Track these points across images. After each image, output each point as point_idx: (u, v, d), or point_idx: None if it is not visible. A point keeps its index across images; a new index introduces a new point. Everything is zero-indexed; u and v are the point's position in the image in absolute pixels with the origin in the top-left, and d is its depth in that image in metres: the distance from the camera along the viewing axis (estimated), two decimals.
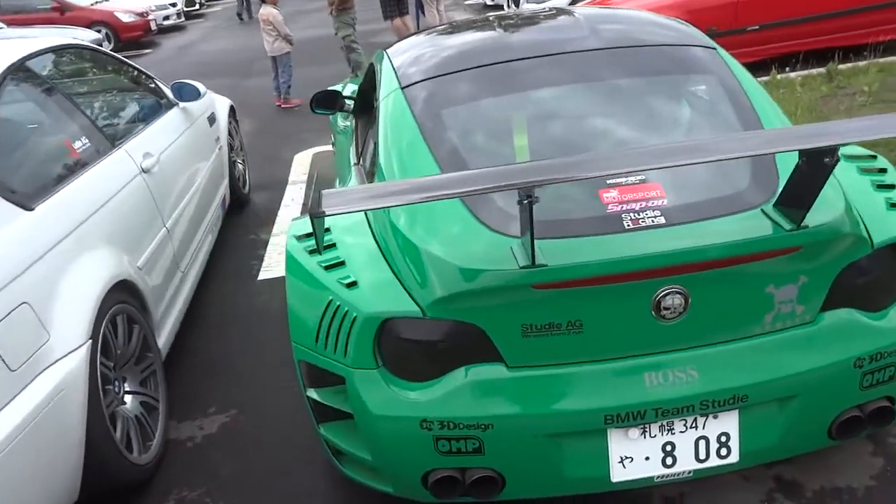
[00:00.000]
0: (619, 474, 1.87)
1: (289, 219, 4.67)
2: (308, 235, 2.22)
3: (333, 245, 2.15)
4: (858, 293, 1.89)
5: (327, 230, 2.24)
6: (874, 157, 2.23)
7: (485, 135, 2.22)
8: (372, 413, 1.86)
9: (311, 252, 2.15)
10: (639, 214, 1.81)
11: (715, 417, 1.85)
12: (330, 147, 6.02)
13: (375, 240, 2.08)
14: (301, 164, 5.82)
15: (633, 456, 1.86)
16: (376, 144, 2.37)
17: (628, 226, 1.79)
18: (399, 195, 1.57)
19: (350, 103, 3.56)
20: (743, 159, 1.86)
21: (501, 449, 1.83)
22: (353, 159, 2.98)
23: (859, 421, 1.90)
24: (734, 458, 1.88)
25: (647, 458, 1.86)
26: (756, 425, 1.86)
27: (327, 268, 2.05)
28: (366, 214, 2.18)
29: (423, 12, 9.94)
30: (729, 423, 1.86)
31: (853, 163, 2.15)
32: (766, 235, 1.72)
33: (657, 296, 1.73)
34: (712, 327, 1.81)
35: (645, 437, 1.85)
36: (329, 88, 3.57)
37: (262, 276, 3.95)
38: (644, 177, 1.89)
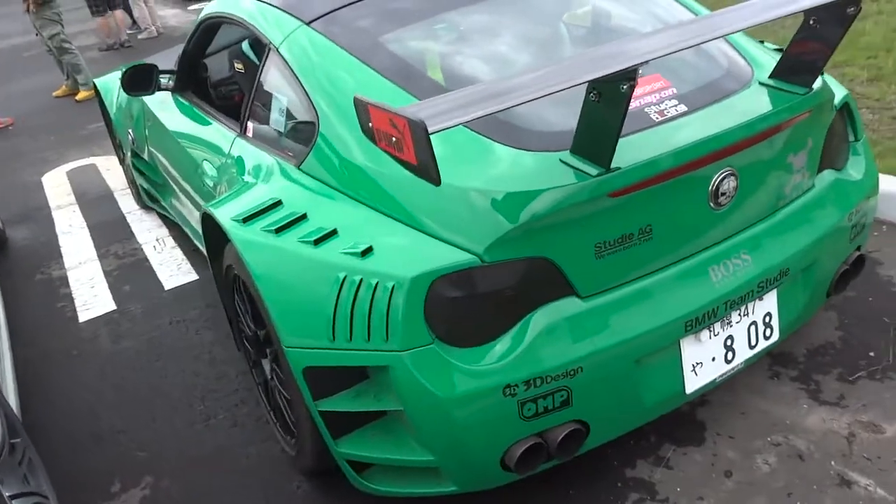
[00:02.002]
0: (691, 384, 1.76)
1: (77, 247, 3.76)
2: (258, 214, 1.73)
3: (304, 217, 1.69)
4: (832, 154, 1.98)
5: (278, 204, 1.76)
6: None
7: (450, 54, 1.90)
8: (440, 397, 1.49)
9: (280, 230, 1.66)
10: (660, 106, 1.69)
11: (761, 300, 1.81)
12: (93, 160, 5.03)
13: (362, 203, 1.68)
14: (57, 185, 4.75)
15: (703, 360, 1.76)
16: (282, 99, 1.94)
17: (657, 119, 1.65)
18: (502, 96, 1.22)
19: (167, 80, 2.89)
20: (707, 45, 1.87)
21: (589, 393, 1.60)
22: (225, 135, 2.40)
23: (847, 274, 2.01)
24: (775, 336, 1.88)
25: (713, 359, 1.78)
26: (788, 299, 1.88)
27: (318, 241, 1.60)
28: (338, 179, 1.75)
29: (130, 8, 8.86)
30: (770, 302, 1.84)
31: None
32: (790, 102, 1.70)
33: (715, 181, 1.62)
34: (752, 208, 1.77)
35: (711, 337, 1.74)
36: (140, 63, 2.85)
37: (83, 316, 3.10)
38: (642, 71, 1.75)
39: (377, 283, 1.50)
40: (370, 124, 1.26)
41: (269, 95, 2.14)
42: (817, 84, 1.76)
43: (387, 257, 1.55)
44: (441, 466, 1.62)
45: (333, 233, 1.63)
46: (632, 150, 1.54)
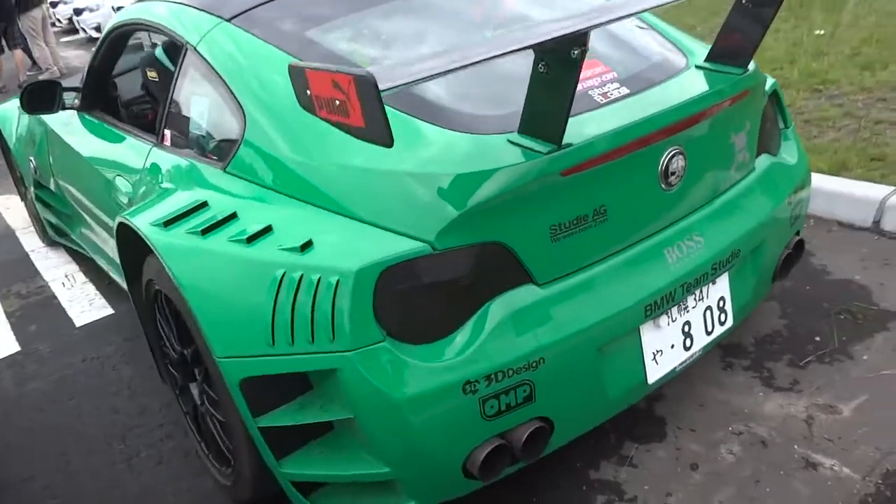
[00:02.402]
0: (653, 373, 1.70)
1: None
2: (181, 217, 1.58)
3: (233, 216, 1.55)
4: (767, 138, 2.00)
5: (203, 206, 1.62)
6: None
7: (382, 47, 1.81)
8: (395, 399, 1.36)
9: (207, 231, 1.52)
10: (603, 89, 1.66)
11: (714, 283, 1.78)
12: None
13: (298, 199, 1.56)
14: None
15: (663, 348, 1.71)
16: (201, 101, 1.83)
17: (601, 101, 1.62)
18: (452, 57, 1.13)
19: (72, 98, 2.68)
20: (642, 36, 1.91)
21: (553, 386, 1.51)
22: (140, 148, 2.22)
23: (790, 258, 2.01)
24: (730, 321, 1.85)
25: (672, 346, 1.72)
26: (739, 283, 1.86)
27: (251, 239, 1.46)
28: (268, 178, 1.62)
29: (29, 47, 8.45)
30: (723, 286, 1.81)
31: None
32: (728, 82, 1.71)
33: (664, 160, 1.59)
34: (701, 188, 1.74)
35: (669, 323, 1.69)
36: (43, 79, 2.63)
37: None
38: None
39: (319, 279, 1.36)
40: (308, 92, 1.15)
41: (187, 99, 1.99)
42: (752, 66, 1.77)
43: (329, 250, 1.42)
44: (398, 479, 1.48)
45: (268, 230, 1.49)
46: (580, 130, 1.49)
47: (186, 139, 1.98)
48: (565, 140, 1.44)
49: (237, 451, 1.67)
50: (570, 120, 1.46)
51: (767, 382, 2.08)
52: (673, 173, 1.62)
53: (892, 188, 2.85)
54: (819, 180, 2.96)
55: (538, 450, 1.56)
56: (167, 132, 2.09)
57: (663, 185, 1.62)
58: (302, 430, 1.50)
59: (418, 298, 1.41)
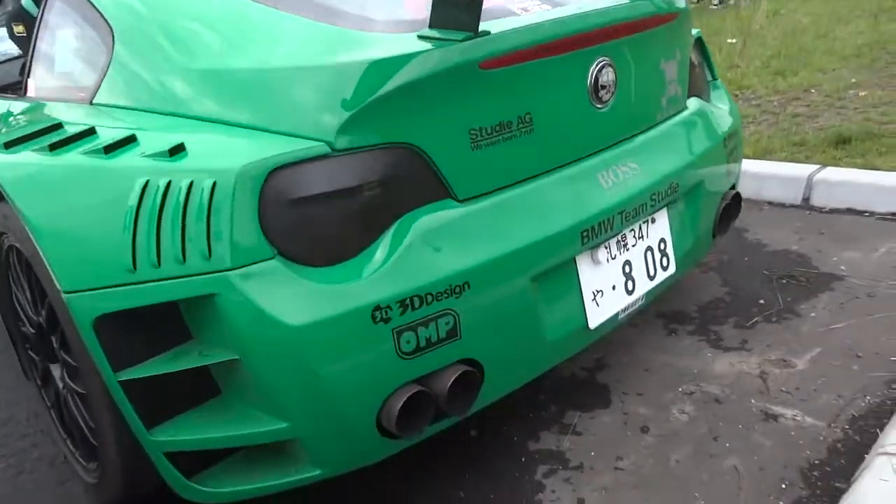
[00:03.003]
0: (594, 316, 1.51)
1: None
2: (27, 138, 1.33)
3: (91, 132, 1.30)
4: (696, 83, 1.90)
5: (56, 127, 1.36)
6: None
7: None
8: (290, 327, 1.12)
9: (57, 146, 1.27)
10: (523, 4, 1.49)
11: (653, 222, 1.62)
12: None
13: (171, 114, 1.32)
14: None
15: (603, 288, 1.52)
16: (67, 36, 1.62)
17: (521, 12, 1.45)
18: None
19: None
20: None
21: (480, 320, 1.30)
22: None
23: (728, 210, 1.89)
24: (672, 267, 1.69)
25: (613, 288, 1.54)
26: (679, 226, 1.72)
27: (110, 149, 1.21)
28: (141, 98, 1.38)
29: None
30: (662, 225, 1.67)
31: None
32: (657, 2, 1.58)
33: (593, 71, 1.43)
34: (633, 112, 1.60)
35: (608, 259, 1.52)
36: None
37: None
38: None
39: (191, 184, 1.13)
40: None
41: (51, 40, 1.73)
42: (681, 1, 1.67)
43: (204, 152, 1.18)
44: (298, 438, 1.22)
45: (131, 139, 1.24)
46: (498, 27, 1.31)
47: (49, 83, 1.71)
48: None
49: (100, 429, 1.36)
50: (489, 22, 1.29)
51: (715, 344, 1.91)
52: (603, 87, 1.46)
53: (818, 166, 2.82)
54: (747, 164, 2.91)
55: (467, 401, 1.33)
56: (30, 82, 1.81)
57: (594, 101, 1.46)
58: (177, 395, 1.24)
59: (316, 210, 1.17)
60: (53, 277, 1.21)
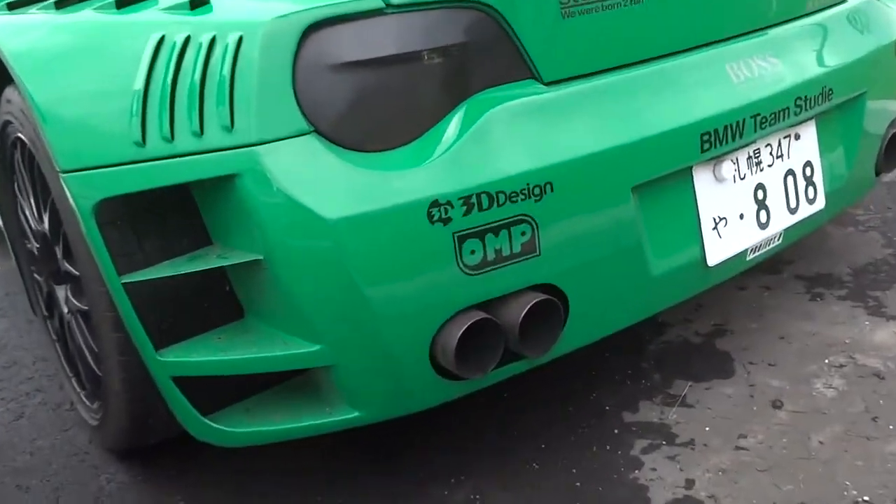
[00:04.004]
0: (714, 250, 1.41)
1: None
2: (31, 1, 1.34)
3: None
4: None
5: None
6: None
7: None
8: (326, 221, 1.07)
9: (64, 4, 1.27)
10: None
11: (797, 138, 1.51)
12: None
13: None
14: None
15: (727, 214, 1.42)
16: None
17: None
18: None
19: None
20: None
21: (563, 236, 1.22)
22: None
23: None
24: (820, 201, 1.57)
25: (741, 217, 1.43)
26: (831, 150, 1.60)
27: (122, 4, 1.21)
28: None
29: None
30: (810, 143, 1.55)
31: None
32: None
33: None
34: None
35: (736, 178, 1.40)
36: None
37: None
38: None
39: (213, 39, 1.09)
40: None
41: None
42: None
43: (232, 4, 1.16)
44: (334, 365, 1.17)
45: None
46: None
47: None
48: None
49: (104, 354, 1.35)
50: None
51: (875, 311, 1.76)
52: None
53: None
54: None
55: (546, 340, 1.25)
56: None
57: None
58: (192, 310, 1.23)
59: (364, 80, 1.12)
60: (52, 157, 1.20)
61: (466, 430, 1.54)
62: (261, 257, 1.12)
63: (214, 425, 1.26)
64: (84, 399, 1.62)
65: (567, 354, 1.33)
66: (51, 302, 1.70)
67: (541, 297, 1.20)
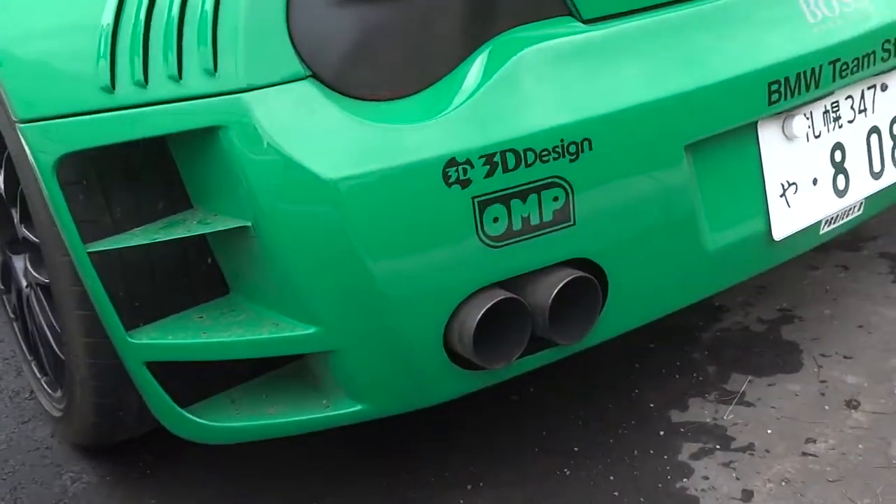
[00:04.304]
0: (781, 222, 1.42)
1: None
2: None
3: None
4: None
5: None
6: None
7: None
8: (325, 181, 1.08)
9: None
10: None
11: (884, 90, 1.50)
12: None
13: None
14: None
15: (798, 179, 1.41)
16: None
17: None
18: None
19: None
20: None
21: (603, 202, 1.22)
22: None
23: None
24: None
25: (814, 182, 1.42)
26: None
27: None
28: None
29: None
30: None
31: None
32: None
33: None
34: None
35: (809, 136, 1.39)
36: None
37: None
38: None
39: None
40: None
41: None
42: None
43: None
44: (333, 350, 1.18)
45: None
46: None
47: None
48: None
49: (67, 334, 1.37)
50: None
51: None
52: None
53: None
54: None
55: (581, 324, 1.25)
56: None
57: None
58: (168, 285, 1.25)
59: (371, 17, 1.12)
60: (8, 105, 1.20)
61: (485, 428, 1.55)
62: (248, 224, 1.13)
63: (195, 419, 1.27)
64: (45, 386, 1.64)
65: (605, 342, 1.34)
66: (6, 274, 1.72)
67: (575, 273, 1.20)
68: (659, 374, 1.64)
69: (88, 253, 1.18)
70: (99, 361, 1.34)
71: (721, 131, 1.29)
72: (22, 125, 1.18)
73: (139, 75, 1.10)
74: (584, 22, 1.22)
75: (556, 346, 1.26)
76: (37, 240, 1.38)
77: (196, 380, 1.28)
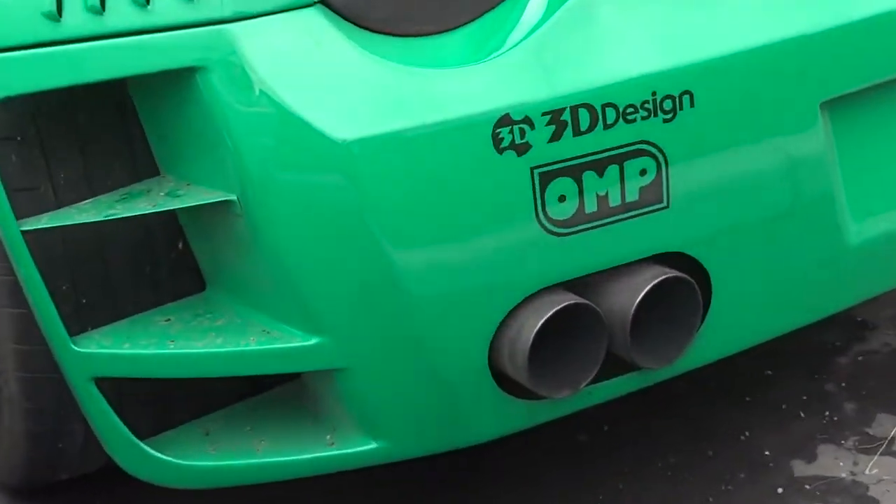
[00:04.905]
0: None
1: None
2: None
3: None
4: None
5: None
6: None
7: None
8: (336, 143, 1.11)
9: None
10: None
11: None
12: None
13: None
14: None
15: None
16: None
17: None
18: None
19: None
20: None
21: (707, 178, 1.26)
22: None
23: None
24: None
25: None
26: None
27: None
28: None
29: None
30: None
31: None
32: None
33: None
34: None
35: None
36: None
37: None
38: None
39: None
40: None
41: None
42: None
43: None
44: (342, 369, 1.22)
45: None
46: None
47: None
48: None
49: None
50: None
51: None
52: None
53: None
54: None
55: (672, 341, 1.30)
56: None
57: None
58: (124, 276, 1.29)
59: None
60: None
61: (540, 478, 1.59)
62: (233, 198, 1.16)
63: (157, 455, 1.31)
64: None
65: (704, 367, 1.36)
66: None
67: (668, 273, 1.23)
68: (778, 411, 1.68)
69: (22, 231, 1.21)
70: (34, 375, 1.37)
71: (870, 85, 1.33)
72: None
73: None
74: None
75: (638, 369, 1.30)
76: None
77: (160, 403, 1.31)
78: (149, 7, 1.13)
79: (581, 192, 1.17)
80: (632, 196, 1.20)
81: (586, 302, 1.20)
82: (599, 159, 1.17)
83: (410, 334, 1.18)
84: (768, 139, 1.26)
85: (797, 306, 1.40)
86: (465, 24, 1.19)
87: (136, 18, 1.13)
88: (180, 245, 1.29)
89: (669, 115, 1.19)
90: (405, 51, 1.16)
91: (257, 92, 1.11)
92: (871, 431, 1.61)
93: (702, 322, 1.30)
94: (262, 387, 1.36)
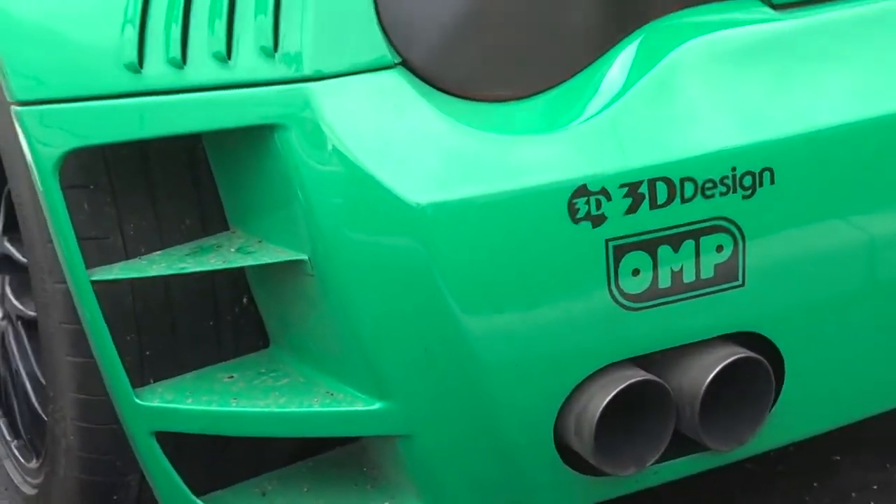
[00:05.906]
0: None
1: None
2: None
3: None
4: None
5: None
6: None
7: None
8: (413, 207, 1.11)
9: None
10: None
11: None
12: None
13: None
14: None
15: None
16: None
17: None
18: None
19: None
20: None
21: (785, 257, 1.25)
22: None
23: None
24: None
25: None
26: None
27: None
28: None
29: None
30: None
31: None
32: None
33: None
34: None
35: None
36: None
37: None
38: None
39: None
40: None
41: None
42: None
43: None
44: (407, 435, 1.22)
45: None
46: None
47: None
48: None
49: (54, 387, 1.42)
50: None
51: None
52: None
53: None
54: None
55: (742, 423, 1.28)
56: None
57: None
58: (190, 332, 1.31)
59: None
60: (4, 82, 1.26)
61: None
62: (304, 257, 1.17)
63: None
64: (16, 452, 1.69)
65: (777, 450, 1.33)
66: None
67: (741, 353, 1.22)
68: (848, 500, 1.61)
69: (91, 281, 1.22)
70: (92, 426, 1.38)
71: None
72: (18, 108, 1.23)
73: (176, 51, 1.15)
74: (775, 7, 1.26)
75: (706, 450, 1.28)
76: (23, 259, 1.44)
77: (218, 460, 1.31)
78: (230, 63, 1.14)
79: (655, 267, 1.17)
80: (707, 273, 1.19)
81: (656, 379, 1.19)
82: (675, 234, 1.17)
83: (477, 403, 1.18)
84: (850, 217, 1.25)
85: (875, 391, 1.38)
86: (544, 90, 1.19)
87: (217, 73, 1.14)
88: (245, 300, 1.30)
89: (749, 192, 1.18)
90: (483, 115, 1.16)
91: (334, 152, 1.12)
92: None
93: (774, 403, 1.28)
94: (319, 447, 1.36)
